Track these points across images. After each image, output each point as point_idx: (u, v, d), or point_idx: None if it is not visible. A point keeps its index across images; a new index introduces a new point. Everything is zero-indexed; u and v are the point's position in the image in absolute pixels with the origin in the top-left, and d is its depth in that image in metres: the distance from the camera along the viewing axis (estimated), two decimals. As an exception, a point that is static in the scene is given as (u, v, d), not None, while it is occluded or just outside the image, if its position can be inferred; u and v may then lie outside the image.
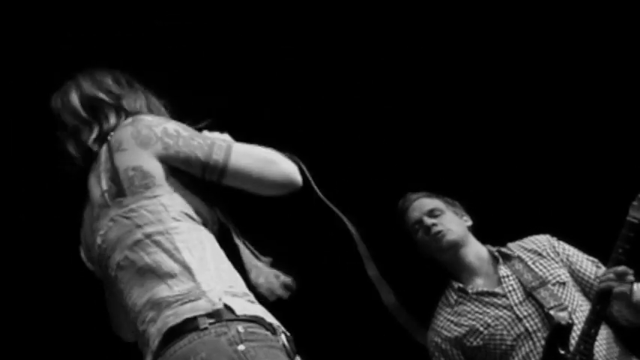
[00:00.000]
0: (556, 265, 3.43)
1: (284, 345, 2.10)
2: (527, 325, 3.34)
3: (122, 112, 2.24)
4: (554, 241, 3.50)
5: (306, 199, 2.28)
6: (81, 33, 3.92)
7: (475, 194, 3.73)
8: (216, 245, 2.15)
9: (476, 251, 3.51)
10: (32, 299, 4.18)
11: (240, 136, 2.25)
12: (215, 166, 2.12)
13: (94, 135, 2.20)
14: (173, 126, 2.16)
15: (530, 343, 3.32)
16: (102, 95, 2.26)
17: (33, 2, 3.93)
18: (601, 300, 3.16)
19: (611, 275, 3.14)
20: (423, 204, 3.55)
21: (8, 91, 3.91)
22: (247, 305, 2.08)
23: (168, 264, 2.06)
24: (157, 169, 2.11)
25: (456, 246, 3.47)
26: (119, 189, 2.12)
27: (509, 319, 3.37)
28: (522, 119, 4.33)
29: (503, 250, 3.51)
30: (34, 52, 3.92)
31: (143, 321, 2.08)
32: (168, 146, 2.12)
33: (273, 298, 2.24)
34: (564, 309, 3.27)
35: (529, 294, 3.36)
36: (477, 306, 3.43)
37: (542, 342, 3.28)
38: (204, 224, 2.17)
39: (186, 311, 2.02)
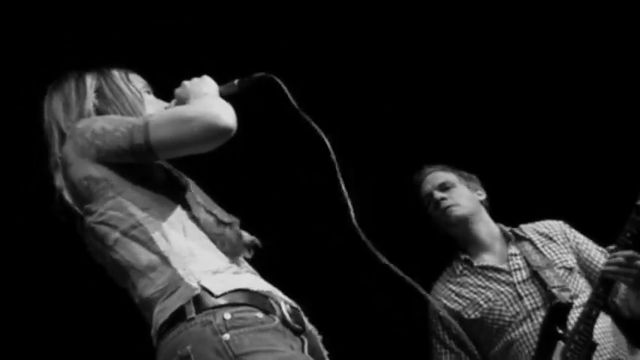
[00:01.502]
0: (565, 251, 3.43)
1: (284, 320, 2.09)
2: (527, 302, 3.34)
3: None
4: (566, 227, 3.50)
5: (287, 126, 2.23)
6: (80, 33, 3.91)
7: (492, 175, 3.72)
8: (190, 222, 2.15)
9: (487, 227, 3.51)
10: (31, 299, 4.17)
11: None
12: (140, 149, 2.09)
13: (61, 177, 2.23)
14: (100, 124, 2.15)
15: (529, 322, 3.32)
16: (56, 134, 2.27)
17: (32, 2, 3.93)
18: (604, 283, 3.16)
19: (620, 259, 3.13)
20: (435, 177, 3.55)
21: (7, 91, 3.91)
22: (230, 279, 2.08)
23: (147, 256, 2.09)
24: (105, 172, 2.13)
25: (465, 221, 3.48)
26: (82, 199, 2.16)
27: (510, 296, 3.37)
28: (543, 106, 4.32)
29: (516, 230, 3.51)
30: (34, 52, 3.91)
31: (148, 321, 2.12)
32: (99, 148, 2.12)
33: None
34: (567, 290, 3.27)
35: (534, 273, 3.36)
36: (479, 279, 3.44)
37: (541, 321, 3.27)
38: (176, 199, 2.17)
39: (170, 304, 2.05)
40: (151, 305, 2.09)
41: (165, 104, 2.34)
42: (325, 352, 2.21)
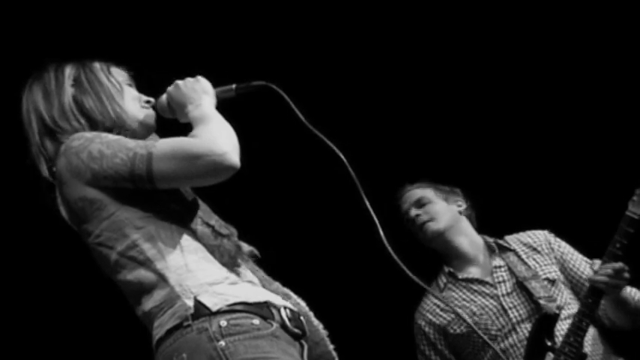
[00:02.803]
0: (549, 262, 3.42)
1: (283, 325, 2.08)
2: (512, 315, 3.33)
3: (56, 135, 2.23)
4: (551, 237, 3.48)
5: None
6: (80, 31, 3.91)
7: (477, 186, 3.72)
8: (186, 235, 2.13)
9: (469, 239, 3.50)
10: (32, 299, 4.17)
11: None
12: (141, 179, 2.07)
13: (44, 167, 2.22)
14: (97, 147, 2.11)
15: (514, 334, 3.31)
16: (35, 124, 2.25)
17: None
18: (594, 294, 3.14)
19: (609, 271, 3.12)
20: (412, 195, 3.55)
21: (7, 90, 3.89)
22: (227, 290, 2.08)
23: (146, 275, 2.09)
24: (99, 193, 2.11)
25: (442, 235, 3.46)
26: (78, 219, 2.15)
27: (495, 310, 3.36)
28: (527, 112, 4.32)
29: (500, 242, 3.50)
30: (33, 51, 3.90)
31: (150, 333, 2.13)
32: (95, 173, 2.09)
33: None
34: (553, 301, 3.27)
35: (520, 284, 3.35)
36: (464, 293, 3.43)
37: (527, 333, 3.26)
38: (173, 213, 2.15)
39: (166, 321, 2.06)
40: (151, 319, 2.10)
41: (149, 99, 2.31)
42: (331, 346, 2.22)
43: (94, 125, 2.21)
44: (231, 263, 2.15)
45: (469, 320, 3.29)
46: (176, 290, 2.06)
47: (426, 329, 3.45)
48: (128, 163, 2.07)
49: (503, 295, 3.37)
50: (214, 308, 2.03)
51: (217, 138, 2.07)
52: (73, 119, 2.22)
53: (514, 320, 3.33)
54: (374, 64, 4.31)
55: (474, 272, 3.45)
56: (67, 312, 4.18)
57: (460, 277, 3.45)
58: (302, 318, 2.17)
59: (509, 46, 4.27)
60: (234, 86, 2.30)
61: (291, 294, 2.22)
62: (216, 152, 2.04)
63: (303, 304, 2.21)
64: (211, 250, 2.13)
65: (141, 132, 2.26)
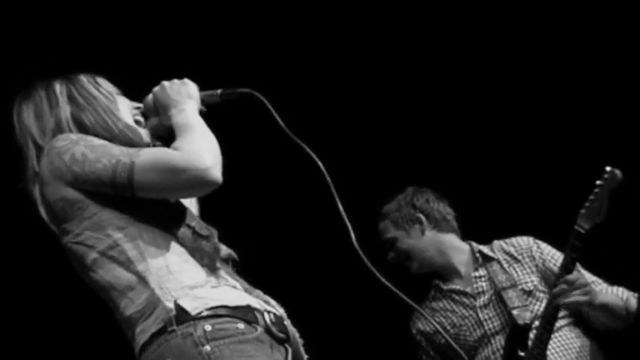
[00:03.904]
0: (528, 271, 3.42)
1: (267, 329, 2.08)
2: (487, 327, 3.36)
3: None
4: (533, 244, 3.47)
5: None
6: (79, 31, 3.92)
7: (461, 192, 3.75)
8: (168, 237, 2.12)
9: (451, 251, 3.51)
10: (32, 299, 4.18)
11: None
12: (122, 186, 2.07)
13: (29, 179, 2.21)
14: (80, 149, 2.10)
15: (489, 346, 3.35)
16: (29, 144, 2.23)
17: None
18: (553, 308, 3.16)
19: (563, 286, 3.12)
20: (381, 232, 3.56)
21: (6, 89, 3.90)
22: (208, 294, 2.07)
23: (126, 277, 2.08)
24: (80, 194, 2.11)
25: (421, 268, 3.49)
26: (58, 219, 2.15)
27: (473, 321, 3.40)
28: (513, 116, 4.33)
29: (486, 251, 3.50)
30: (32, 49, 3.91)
31: (130, 340, 2.12)
32: (76, 175, 2.09)
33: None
34: (529, 311, 3.28)
35: (498, 294, 3.37)
36: (448, 303, 3.47)
37: (500, 345, 3.30)
38: (155, 214, 2.14)
39: (149, 326, 2.05)
40: (133, 324, 2.08)
41: (138, 104, 2.30)
42: (305, 357, 2.20)
43: None
44: (210, 265, 2.14)
45: (446, 335, 3.28)
46: (156, 293, 2.05)
47: (418, 337, 3.50)
48: (110, 170, 2.07)
49: (480, 307, 3.40)
50: (194, 312, 2.03)
51: (200, 151, 2.07)
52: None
53: (489, 333, 3.36)
54: (357, 72, 4.32)
55: (457, 283, 3.48)
56: (64, 313, 4.18)
57: (444, 288, 3.49)
58: (286, 322, 2.16)
59: (489, 57, 4.28)
60: (219, 91, 2.30)
61: (271, 301, 2.21)
62: (198, 167, 2.04)
63: (281, 311, 2.20)
64: (191, 252, 2.12)
65: (131, 140, 2.23)
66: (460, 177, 4.11)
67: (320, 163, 2.20)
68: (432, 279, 3.54)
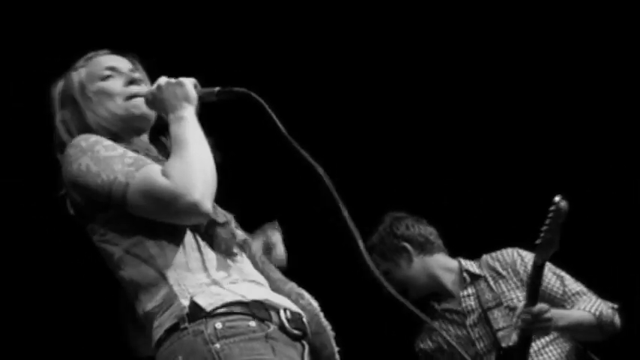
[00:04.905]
0: (512, 286, 3.41)
1: (281, 326, 2.09)
2: (479, 347, 3.37)
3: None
4: (517, 257, 3.46)
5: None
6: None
7: (445, 208, 3.84)
8: (188, 231, 2.14)
9: (440, 272, 3.49)
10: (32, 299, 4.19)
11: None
12: (116, 202, 2.11)
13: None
14: (86, 161, 2.14)
15: None
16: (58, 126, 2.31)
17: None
18: (522, 337, 3.18)
19: (528, 317, 3.12)
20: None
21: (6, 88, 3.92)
22: (226, 290, 2.09)
23: (149, 273, 2.11)
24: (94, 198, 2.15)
25: (418, 294, 3.46)
26: (84, 218, 2.20)
27: (466, 339, 3.40)
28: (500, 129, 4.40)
29: (472, 269, 3.48)
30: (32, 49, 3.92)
31: (148, 335, 2.14)
32: (79, 185, 2.14)
33: None
34: (514, 331, 3.26)
35: (484, 313, 3.38)
36: (443, 322, 3.46)
37: None
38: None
39: (165, 321, 2.08)
40: (151, 319, 2.11)
41: (134, 77, 2.30)
42: (336, 349, 2.22)
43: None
44: (227, 252, 2.15)
45: (452, 341, 3.34)
46: (174, 290, 2.08)
47: (420, 355, 3.51)
48: (107, 187, 2.11)
49: (470, 326, 3.40)
50: (209, 308, 2.04)
51: (191, 181, 2.06)
52: (68, 138, 2.25)
53: (480, 352, 3.36)
54: (357, 72, 4.37)
55: (450, 302, 3.48)
56: (67, 311, 4.20)
57: (438, 308, 3.49)
58: (304, 319, 2.16)
59: (475, 69, 4.35)
60: (216, 90, 2.27)
61: (305, 294, 2.23)
62: (186, 201, 2.05)
63: (315, 304, 2.22)
64: (209, 240, 2.15)
65: (129, 128, 2.26)
66: (451, 188, 4.13)
67: (317, 167, 2.18)
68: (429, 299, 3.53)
